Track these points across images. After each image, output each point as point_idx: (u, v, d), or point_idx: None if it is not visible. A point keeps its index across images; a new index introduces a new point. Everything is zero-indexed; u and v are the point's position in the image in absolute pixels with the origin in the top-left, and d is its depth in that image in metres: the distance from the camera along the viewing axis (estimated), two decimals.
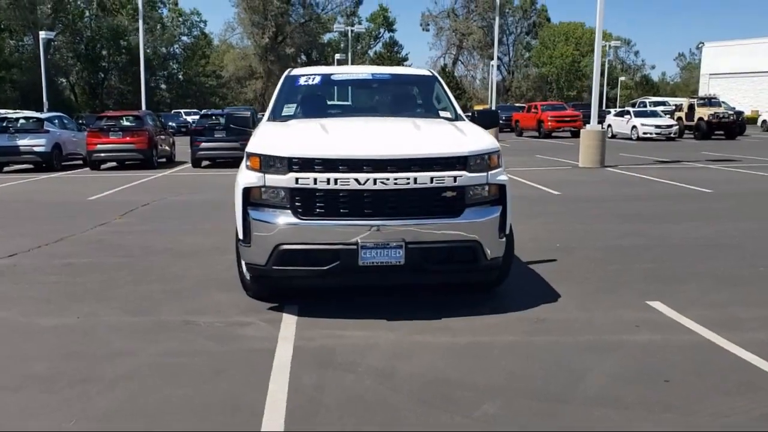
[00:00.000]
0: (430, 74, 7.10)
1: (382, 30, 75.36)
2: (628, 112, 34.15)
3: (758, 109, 50.84)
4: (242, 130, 6.70)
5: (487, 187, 5.26)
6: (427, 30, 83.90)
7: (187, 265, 7.02)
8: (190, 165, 19.81)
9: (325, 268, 5.08)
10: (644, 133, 31.83)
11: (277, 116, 6.31)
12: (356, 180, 4.99)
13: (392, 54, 77.91)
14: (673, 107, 40.18)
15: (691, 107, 34.19)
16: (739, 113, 34.81)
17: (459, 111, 6.51)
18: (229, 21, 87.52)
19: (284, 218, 5.08)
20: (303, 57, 72.73)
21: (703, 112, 32.99)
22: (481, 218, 5.19)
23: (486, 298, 5.75)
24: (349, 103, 6.99)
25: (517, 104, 55.62)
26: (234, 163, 19.12)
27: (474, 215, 5.18)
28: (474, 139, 5.37)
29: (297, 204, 5.08)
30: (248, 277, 5.80)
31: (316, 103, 6.67)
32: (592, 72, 78.19)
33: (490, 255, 5.29)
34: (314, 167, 5.03)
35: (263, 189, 5.16)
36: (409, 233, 5.04)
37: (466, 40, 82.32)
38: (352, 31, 49.03)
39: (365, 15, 75.67)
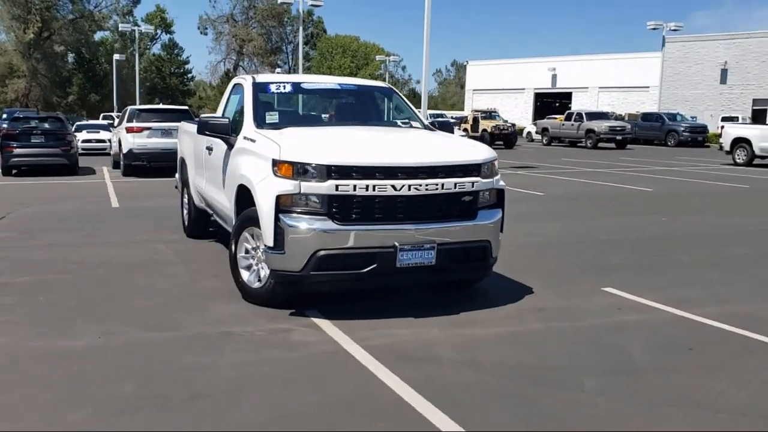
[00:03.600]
0: (388, 86, 7.50)
1: (159, 31, 72.16)
2: None
3: (514, 122, 57.27)
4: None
5: (493, 192, 5.84)
6: (206, 34, 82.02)
7: (146, 279, 6.66)
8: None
9: (363, 271, 5.29)
10: None
11: (262, 124, 6.28)
12: (393, 186, 5.28)
13: (172, 56, 74.92)
14: (452, 120, 43.93)
15: (475, 120, 37.65)
16: (513, 125, 39.09)
17: (425, 121, 7.01)
18: None
19: (323, 224, 5.21)
20: (73, 56, 67.12)
21: (486, 124, 36.56)
22: (490, 220, 5.76)
23: (472, 293, 6.30)
24: (329, 112, 7.12)
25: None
26: (51, 170, 17.59)
27: (485, 218, 5.74)
28: (482, 148, 5.92)
29: (335, 210, 5.23)
30: (254, 286, 5.78)
31: (298, 112, 6.74)
32: None
33: (494, 253, 5.88)
34: (352, 174, 5.23)
35: (297, 196, 5.23)
36: (438, 235, 5.44)
37: (247, 47, 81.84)
38: (139, 31, 46.47)
39: (141, 15, 71.89)
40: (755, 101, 52.40)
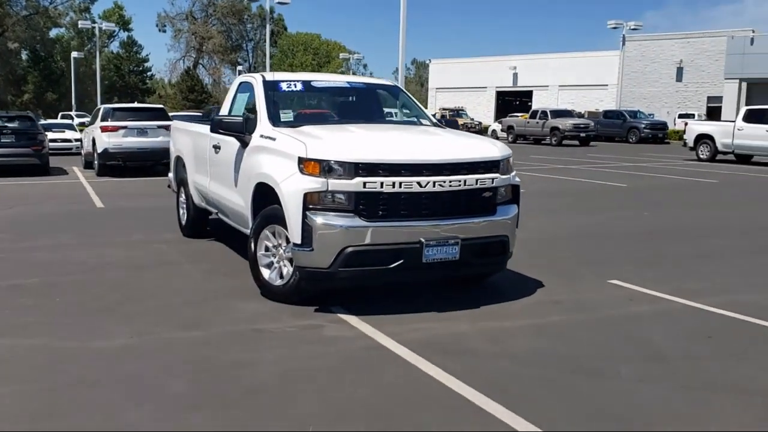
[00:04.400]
0: (395, 84, 7.59)
1: (117, 29, 70.78)
2: None
3: (474, 118, 57.92)
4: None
5: (509, 188, 5.97)
6: (164, 31, 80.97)
7: (158, 279, 6.64)
8: None
9: (390, 266, 5.37)
10: None
11: (278, 122, 6.31)
12: (418, 183, 5.37)
13: (131, 54, 73.60)
14: None
15: (443, 118, 37.96)
16: (480, 123, 39.57)
17: (433, 119, 7.12)
18: None
19: (350, 221, 5.27)
20: (27, 53, 65.42)
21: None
22: (508, 215, 5.90)
23: (486, 288, 6.42)
24: (341, 109, 7.16)
25: None
26: (22, 171, 17.18)
27: (503, 213, 5.87)
28: (499, 145, 6.05)
29: (362, 207, 5.30)
30: (275, 283, 5.82)
31: (310, 110, 6.79)
32: None
33: (511, 248, 6.03)
34: (379, 171, 5.30)
35: (325, 193, 5.28)
36: (461, 231, 5.56)
37: (207, 44, 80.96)
38: (100, 28, 45.52)
39: (98, 12, 70.45)
40: (709, 99, 53.91)
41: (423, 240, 5.38)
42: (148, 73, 78.13)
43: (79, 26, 49.96)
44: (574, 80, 59.79)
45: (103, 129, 16.92)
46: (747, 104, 49.36)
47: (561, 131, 36.66)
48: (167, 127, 17.25)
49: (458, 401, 3.90)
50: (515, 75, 61.80)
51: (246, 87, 7.12)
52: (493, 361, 4.55)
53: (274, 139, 5.89)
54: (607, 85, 58.97)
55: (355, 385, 4.12)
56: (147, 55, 77.17)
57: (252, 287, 6.11)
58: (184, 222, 8.88)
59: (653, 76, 56.71)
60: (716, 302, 6.00)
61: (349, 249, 5.27)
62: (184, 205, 8.85)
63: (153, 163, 17.45)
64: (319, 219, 5.26)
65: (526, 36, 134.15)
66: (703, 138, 25.07)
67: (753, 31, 51.92)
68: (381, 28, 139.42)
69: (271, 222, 5.81)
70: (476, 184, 5.63)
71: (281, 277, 5.80)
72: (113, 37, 72.18)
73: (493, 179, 5.73)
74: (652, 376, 4.35)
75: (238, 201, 6.58)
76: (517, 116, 42.87)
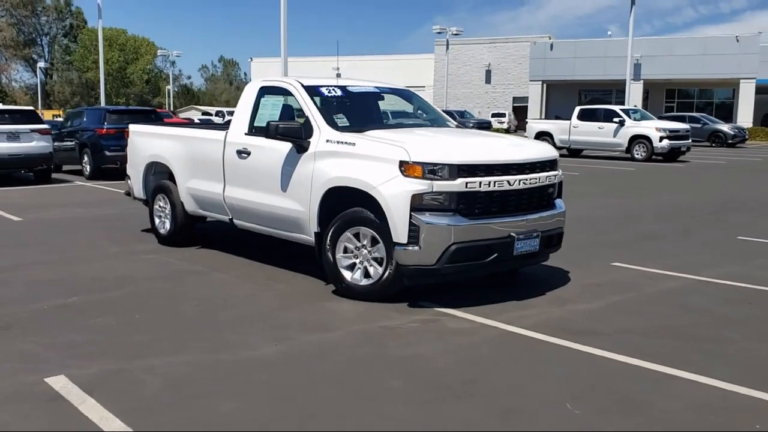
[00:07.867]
0: (408, 89, 7.91)
1: None
2: None
3: None
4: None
5: (558, 184, 6.60)
6: None
7: (208, 289, 6.41)
8: None
9: (487, 260, 5.76)
10: None
11: (335, 126, 6.39)
12: (507, 181, 5.81)
13: None
14: None
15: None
16: None
17: (454, 121, 7.57)
18: None
19: (454, 220, 5.59)
20: None
21: None
22: (563, 209, 6.53)
23: (522, 277, 6.99)
24: (380, 113, 7.34)
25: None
26: None
27: (560, 207, 6.50)
28: (552, 146, 6.63)
29: (462, 206, 5.63)
30: (361, 283, 5.96)
31: (362, 114, 6.94)
32: (139, 79, 77.29)
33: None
34: (477, 172, 5.67)
35: (429, 194, 5.53)
36: (539, 224, 6.09)
37: None
38: None
39: None
40: (515, 99, 59.11)
41: (514, 234, 5.83)
42: None
43: None
44: (394, 82, 62.10)
45: None
46: (547, 104, 54.93)
47: None
48: (41, 131, 15.94)
49: (643, 372, 4.42)
50: (338, 76, 62.87)
51: (275, 91, 7.05)
52: (622, 337, 5.11)
53: (353, 144, 5.98)
54: (424, 86, 62.17)
55: (544, 365, 4.50)
56: None
57: (317, 289, 6.28)
58: (165, 231, 8.45)
59: (465, 78, 60.89)
60: (715, 275, 7.05)
61: (454, 246, 5.58)
62: (162, 214, 8.45)
63: (26, 171, 15.99)
64: (426, 219, 5.50)
65: (345, 39, 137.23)
66: (542, 135, 27.62)
67: (550, 38, 57.68)
68: (189, 23, 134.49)
69: (354, 224, 5.92)
70: (546, 180, 6.18)
71: (367, 276, 5.93)
72: None
73: (556, 176, 6.33)
74: (751, 334, 5.18)
75: (288, 206, 6.52)
76: None
